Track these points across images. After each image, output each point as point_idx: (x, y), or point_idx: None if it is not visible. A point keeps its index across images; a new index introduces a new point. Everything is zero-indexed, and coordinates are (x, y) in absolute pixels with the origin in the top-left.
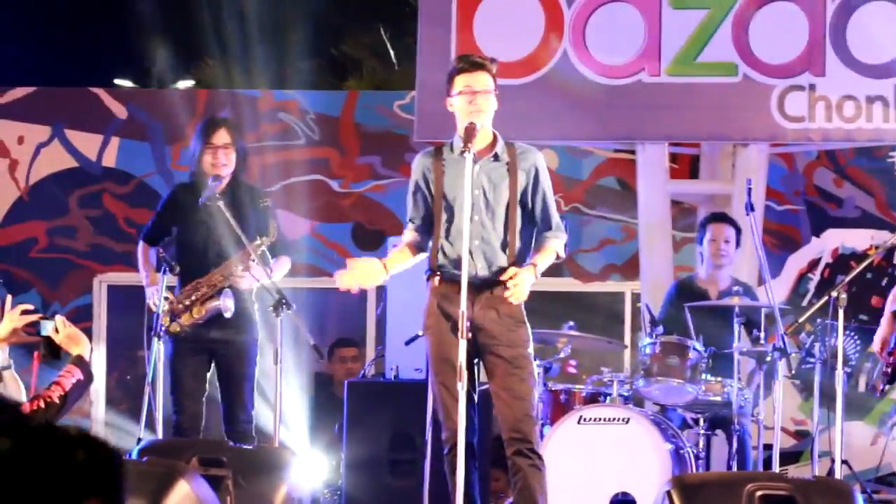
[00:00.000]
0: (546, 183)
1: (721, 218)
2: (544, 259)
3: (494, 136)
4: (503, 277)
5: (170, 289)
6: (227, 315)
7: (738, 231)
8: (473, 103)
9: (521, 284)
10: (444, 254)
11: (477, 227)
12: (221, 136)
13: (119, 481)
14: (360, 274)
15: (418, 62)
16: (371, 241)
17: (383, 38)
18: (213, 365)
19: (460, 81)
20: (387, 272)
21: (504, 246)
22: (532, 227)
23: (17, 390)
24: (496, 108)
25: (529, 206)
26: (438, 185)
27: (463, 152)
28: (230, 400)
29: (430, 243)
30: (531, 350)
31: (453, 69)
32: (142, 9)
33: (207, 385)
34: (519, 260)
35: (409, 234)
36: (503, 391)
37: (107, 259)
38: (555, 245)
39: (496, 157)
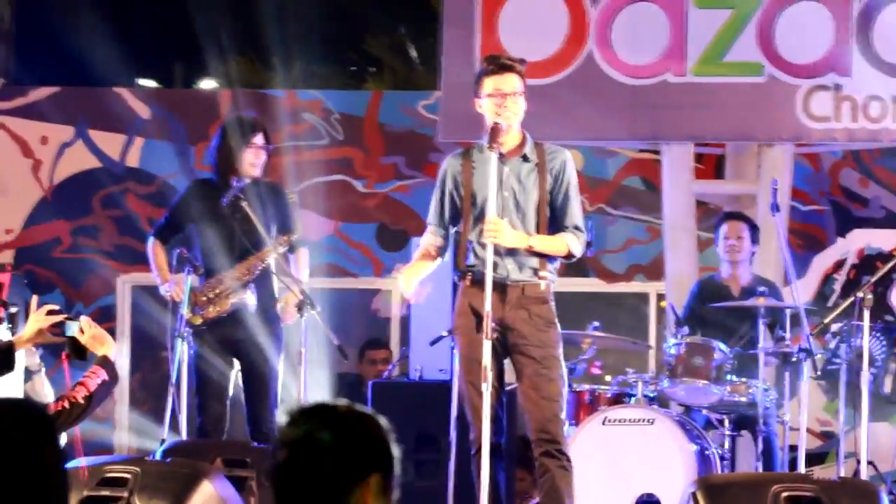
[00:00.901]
0: (572, 183)
1: (734, 216)
2: (547, 241)
3: (524, 137)
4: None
5: (193, 289)
6: (251, 310)
7: (754, 228)
8: (502, 106)
9: (502, 229)
10: (475, 254)
11: None
12: (261, 138)
13: (394, 457)
14: (410, 281)
15: (443, 62)
16: (395, 241)
17: (404, 37)
18: (237, 364)
19: (489, 84)
20: (413, 281)
21: None
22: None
23: (43, 392)
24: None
25: (555, 206)
26: (468, 186)
27: (483, 150)
28: (255, 401)
29: (459, 243)
30: (561, 351)
31: (481, 70)
32: (165, 9)
33: (232, 385)
34: (549, 261)
35: (431, 237)
36: (532, 391)
37: (130, 259)
38: (567, 239)
39: (525, 158)
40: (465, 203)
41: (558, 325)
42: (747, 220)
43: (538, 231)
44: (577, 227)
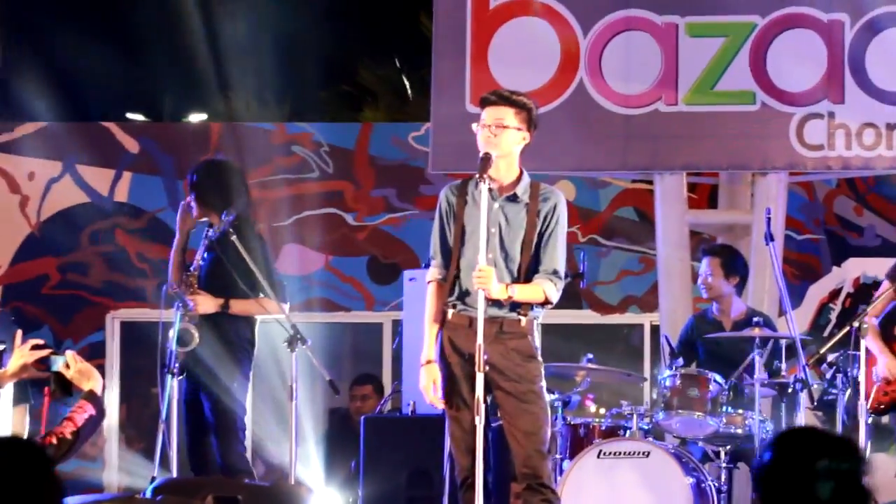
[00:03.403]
0: (559, 228)
1: (706, 251)
2: (525, 289)
3: (520, 175)
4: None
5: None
6: (185, 347)
7: (729, 259)
8: (486, 135)
9: (490, 279)
10: (459, 286)
11: (489, 265)
12: None
13: None
14: (430, 388)
15: (433, 94)
16: (386, 274)
17: (398, 69)
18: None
19: (483, 114)
20: (436, 362)
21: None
22: None
23: (21, 425)
24: (524, 145)
25: (537, 247)
26: (459, 219)
27: (478, 184)
28: (219, 436)
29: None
30: (542, 384)
31: (480, 100)
32: (154, 43)
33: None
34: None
35: (436, 271)
36: (513, 427)
37: (120, 295)
38: (544, 285)
39: (515, 197)
40: (454, 236)
41: (540, 359)
42: (721, 252)
43: (520, 271)
44: (555, 273)
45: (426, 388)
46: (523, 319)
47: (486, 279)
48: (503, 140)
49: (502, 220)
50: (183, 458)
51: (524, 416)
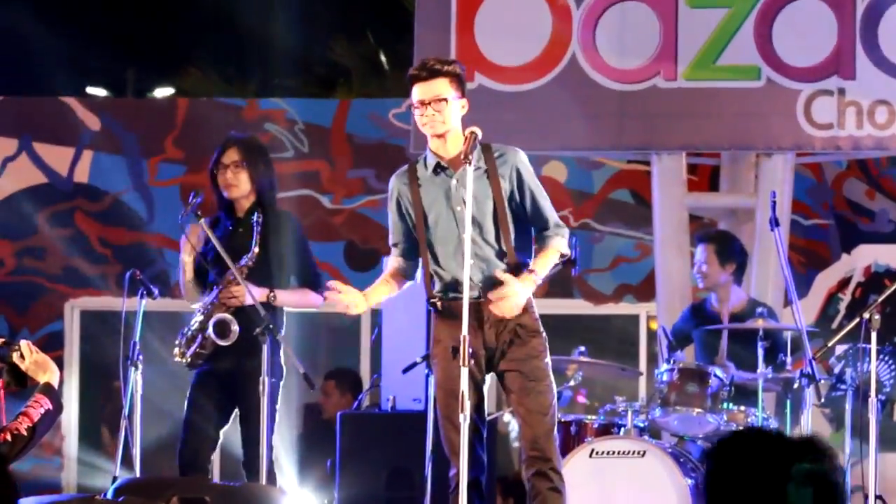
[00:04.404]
0: (532, 181)
1: (700, 238)
2: (545, 262)
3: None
4: (490, 296)
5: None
6: (224, 342)
7: (725, 246)
8: (426, 115)
9: (511, 297)
10: (440, 278)
11: (463, 245)
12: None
13: None
14: (345, 296)
15: None
16: (365, 260)
17: (373, 44)
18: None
19: (414, 92)
20: (367, 303)
21: (501, 258)
22: (528, 231)
23: None
24: (465, 113)
25: (520, 210)
26: (417, 208)
27: (443, 167)
28: (246, 436)
29: (422, 269)
30: (548, 360)
31: (407, 78)
32: (119, 14)
33: (226, 420)
34: (521, 268)
35: (394, 259)
36: (521, 407)
37: (79, 282)
38: (557, 244)
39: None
40: (417, 227)
41: (544, 333)
42: (715, 239)
43: (501, 241)
44: (556, 225)
45: (345, 292)
46: None
47: (512, 297)
48: (448, 115)
49: (465, 194)
50: (147, 456)
51: (531, 395)
